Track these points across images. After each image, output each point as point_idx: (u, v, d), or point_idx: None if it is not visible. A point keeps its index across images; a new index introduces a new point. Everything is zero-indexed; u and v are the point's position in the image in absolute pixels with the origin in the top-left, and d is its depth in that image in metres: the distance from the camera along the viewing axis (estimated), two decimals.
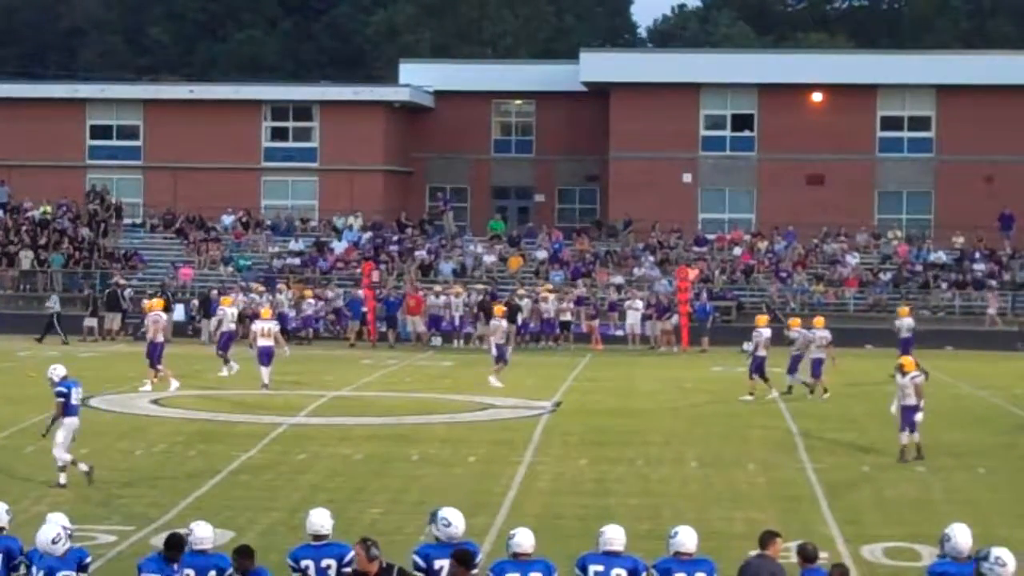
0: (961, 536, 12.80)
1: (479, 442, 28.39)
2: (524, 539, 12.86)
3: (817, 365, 36.54)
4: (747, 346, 49.58)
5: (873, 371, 43.81)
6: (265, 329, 37.42)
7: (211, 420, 31.05)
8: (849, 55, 73.33)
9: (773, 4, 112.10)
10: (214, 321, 42.89)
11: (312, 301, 52.28)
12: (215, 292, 52.30)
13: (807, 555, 13.25)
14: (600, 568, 12.87)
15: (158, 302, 39.46)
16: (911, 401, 26.50)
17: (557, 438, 29.13)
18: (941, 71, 62.79)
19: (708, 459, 26.63)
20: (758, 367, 35.67)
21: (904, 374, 26.77)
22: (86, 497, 22.26)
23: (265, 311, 40.39)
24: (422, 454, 26.77)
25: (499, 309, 41.14)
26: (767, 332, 36.23)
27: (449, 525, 13.13)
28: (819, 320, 38.70)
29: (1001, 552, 12.32)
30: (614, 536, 13.06)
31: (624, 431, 30.16)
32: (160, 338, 36.42)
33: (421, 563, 13.03)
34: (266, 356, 36.91)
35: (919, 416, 26.50)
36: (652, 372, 43.13)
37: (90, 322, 51.78)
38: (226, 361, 39.42)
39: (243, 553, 13.27)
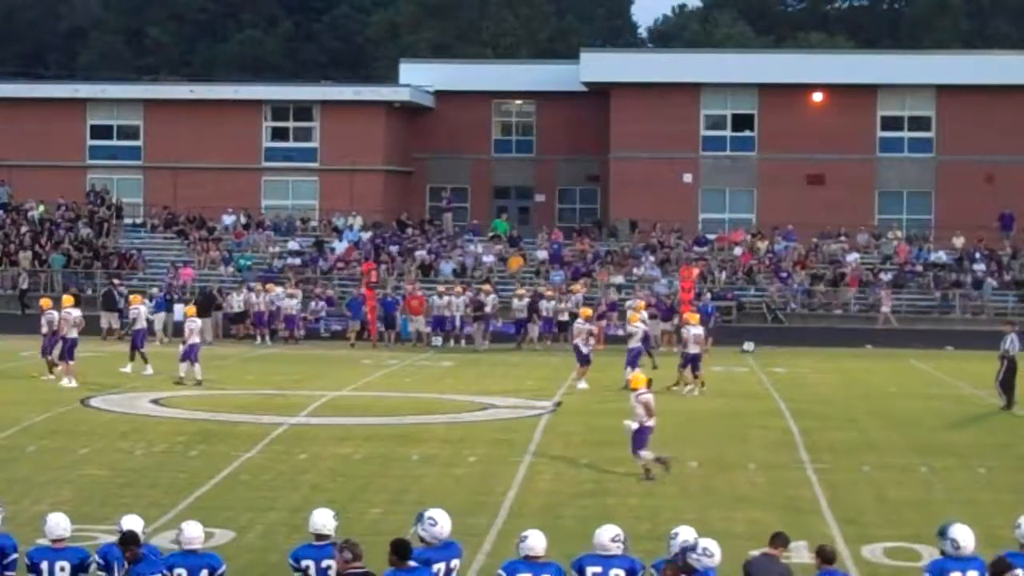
0: (962, 536, 12.89)
1: (479, 442, 28.38)
2: (536, 542, 12.89)
3: (694, 360, 36.98)
4: (747, 346, 49.96)
5: (873, 371, 43.86)
6: (195, 327, 37.74)
7: (212, 420, 31.04)
8: (849, 55, 73.37)
9: (773, 4, 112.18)
10: (131, 318, 42.69)
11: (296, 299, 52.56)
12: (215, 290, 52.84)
13: (826, 556, 13.28)
14: (598, 570, 12.88)
15: (67, 299, 39.59)
16: (644, 421, 24.38)
17: (557, 438, 29.12)
18: (941, 71, 62.78)
19: (708, 459, 26.61)
20: (691, 361, 36.62)
21: (632, 391, 24.83)
22: (87, 497, 22.26)
23: (190, 309, 40.31)
24: (422, 454, 26.76)
25: (585, 312, 41.06)
26: (696, 330, 37.12)
27: (435, 524, 13.14)
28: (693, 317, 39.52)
29: (708, 543, 12.67)
30: (606, 538, 13.04)
31: (624, 431, 30.10)
32: (74, 334, 36.93)
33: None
34: (193, 353, 37.16)
35: (632, 425, 24.51)
36: (652, 372, 43.04)
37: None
38: (144, 359, 39.79)
39: (130, 540, 13.19)
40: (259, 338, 51.28)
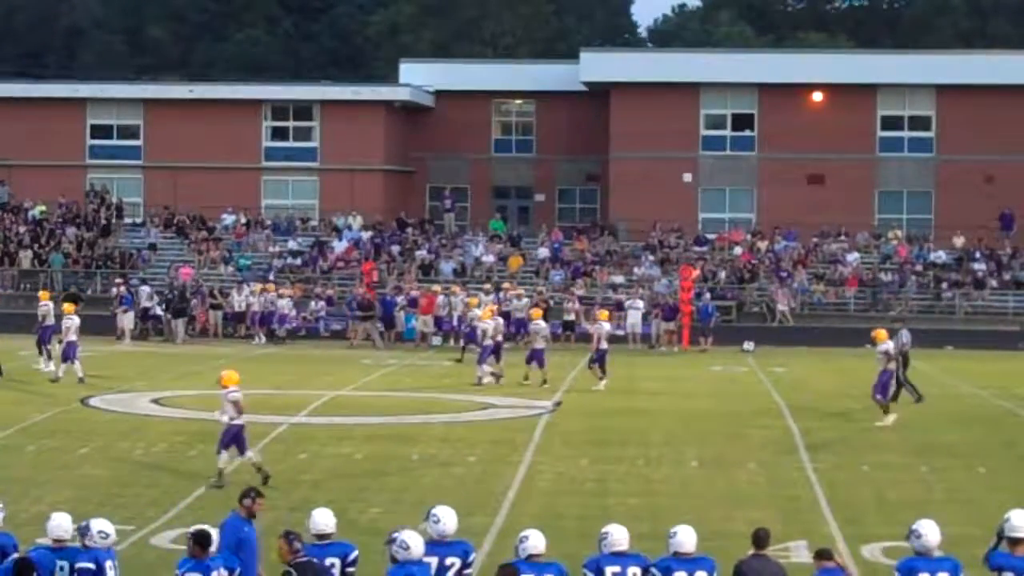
0: (931, 532, 12.96)
1: (479, 442, 28.38)
2: (536, 541, 12.90)
3: (539, 354, 38.05)
4: (747, 346, 49.97)
5: (873, 371, 43.80)
6: (72, 325, 37.81)
7: (211, 420, 30.99)
8: (849, 55, 73.31)
9: (773, 4, 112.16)
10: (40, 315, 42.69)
11: (289, 299, 52.60)
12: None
13: (822, 554, 13.36)
14: (617, 569, 12.86)
15: None
16: (234, 419, 23.52)
17: (557, 438, 29.13)
18: (941, 71, 62.76)
19: (708, 459, 26.63)
20: (600, 358, 37.44)
21: (222, 389, 23.79)
22: (86, 497, 22.25)
23: (67, 306, 40.23)
24: (422, 454, 26.77)
25: (536, 313, 41.43)
26: (607, 326, 38.62)
27: (438, 522, 13.22)
28: (536, 312, 41.20)
29: (407, 535, 12.79)
30: (621, 537, 13.05)
31: (624, 431, 30.16)
32: None
33: None
34: (72, 351, 37.33)
35: (222, 418, 23.79)
36: (653, 372, 43.12)
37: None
38: (46, 355, 39.91)
39: (23, 570, 12.84)
40: (255, 337, 51.36)
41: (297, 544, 13.03)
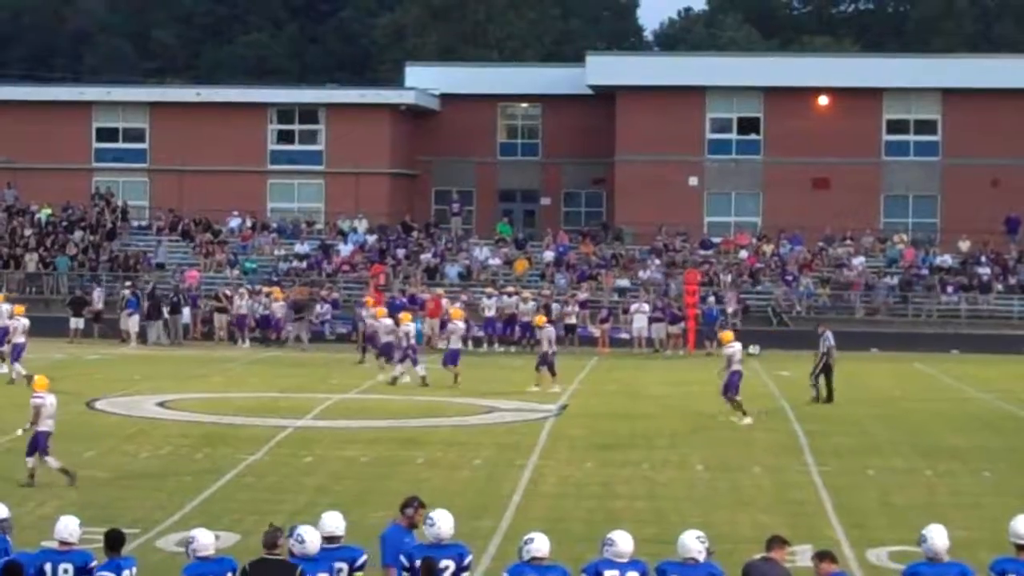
0: (938, 537, 12.95)
1: (484, 445, 28.38)
2: (541, 544, 12.88)
3: (454, 353, 39.25)
4: (753, 349, 49.92)
5: (878, 375, 43.84)
6: (20, 326, 38.13)
7: (217, 423, 31.06)
8: (855, 59, 73.33)
9: (779, 8, 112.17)
10: None
11: (283, 303, 52.59)
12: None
13: (823, 556, 13.37)
14: (615, 573, 12.83)
15: None
16: (32, 424, 23.91)
17: (563, 441, 29.12)
18: (947, 75, 62.73)
19: (714, 462, 26.62)
20: (549, 362, 37.77)
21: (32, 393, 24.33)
22: (92, 500, 22.25)
23: (18, 308, 40.10)
24: (427, 457, 26.77)
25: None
26: (550, 330, 39.04)
27: (433, 525, 13.23)
28: (457, 312, 42.74)
29: (304, 530, 12.92)
30: (625, 548, 12.98)
31: (630, 434, 30.15)
32: None
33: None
34: (19, 352, 37.73)
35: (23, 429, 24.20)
36: (658, 376, 43.11)
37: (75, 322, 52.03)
38: (1, 357, 39.98)
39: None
40: (239, 340, 51.35)
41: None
